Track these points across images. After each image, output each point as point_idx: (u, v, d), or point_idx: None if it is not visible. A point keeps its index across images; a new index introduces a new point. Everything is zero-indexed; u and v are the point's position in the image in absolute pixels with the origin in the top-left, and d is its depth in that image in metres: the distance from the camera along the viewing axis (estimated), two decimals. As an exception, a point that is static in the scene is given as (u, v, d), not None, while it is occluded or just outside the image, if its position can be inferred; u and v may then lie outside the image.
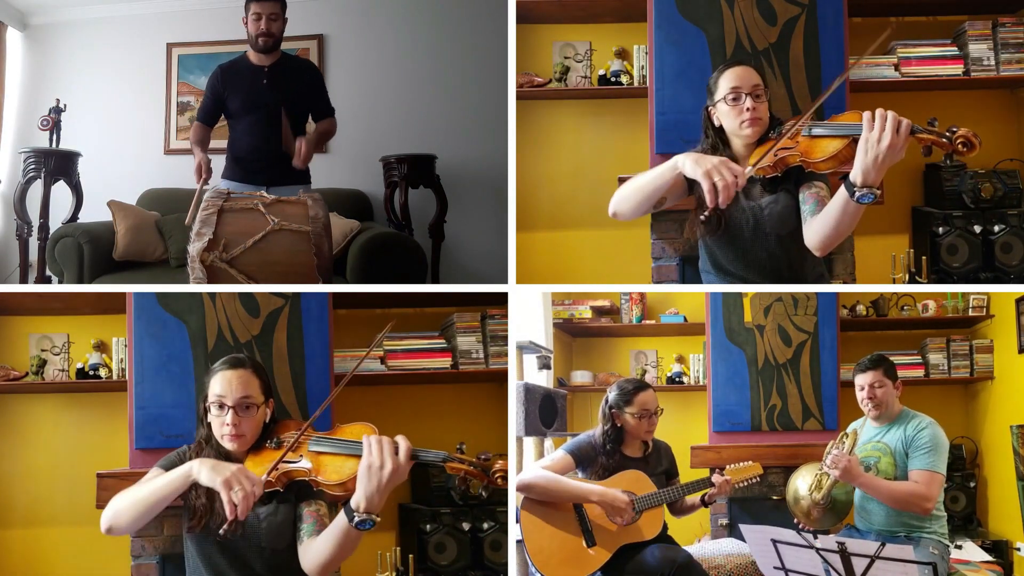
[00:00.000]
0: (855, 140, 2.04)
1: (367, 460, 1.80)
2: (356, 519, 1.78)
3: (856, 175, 1.96)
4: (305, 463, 1.97)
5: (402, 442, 1.83)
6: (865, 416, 2.82)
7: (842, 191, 2.00)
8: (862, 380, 2.72)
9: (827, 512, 2.83)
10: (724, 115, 2.30)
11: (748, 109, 2.25)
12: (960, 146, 1.97)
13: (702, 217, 2.23)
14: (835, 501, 2.82)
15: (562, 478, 2.57)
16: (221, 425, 2.02)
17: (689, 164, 2.18)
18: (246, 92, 3.36)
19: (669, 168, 2.24)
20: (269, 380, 2.13)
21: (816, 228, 2.16)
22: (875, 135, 1.93)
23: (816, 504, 2.75)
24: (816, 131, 2.17)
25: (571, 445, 2.67)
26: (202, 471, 1.89)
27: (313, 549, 1.93)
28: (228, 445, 2.02)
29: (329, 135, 3.53)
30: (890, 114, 1.93)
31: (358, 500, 1.79)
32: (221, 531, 1.87)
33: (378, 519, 1.80)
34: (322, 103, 3.48)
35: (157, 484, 1.93)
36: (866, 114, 1.96)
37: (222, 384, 2.03)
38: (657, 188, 2.27)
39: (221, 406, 2.02)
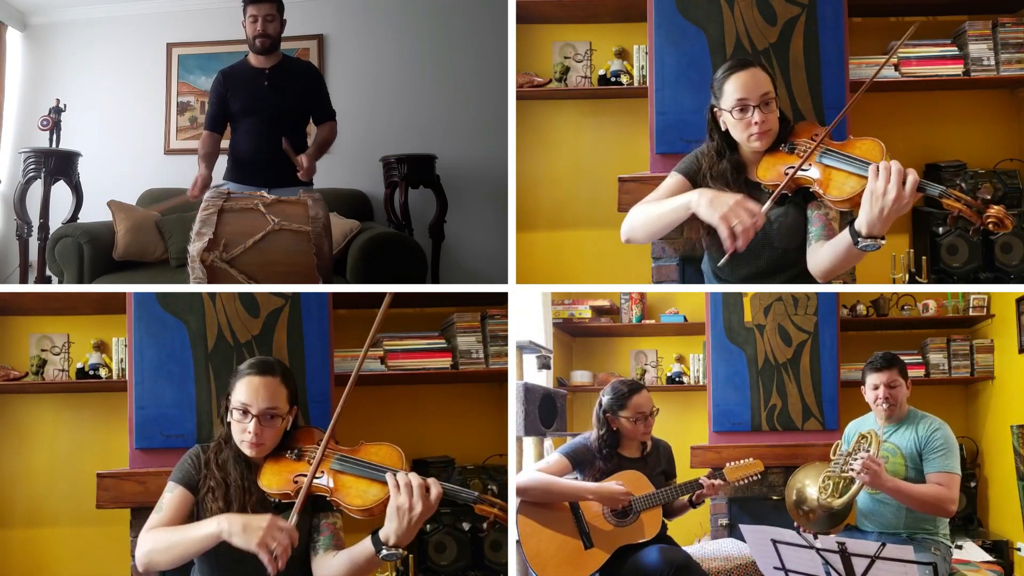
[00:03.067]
0: None
1: (397, 501, 1.81)
2: (384, 553, 1.81)
3: (861, 225, 1.91)
4: (327, 481, 1.95)
5: (434, 486, 1.84)
6: (866, 416, 2.81)
7: (846, 236, 1.96)
8: (877, 379, 2.65)
9: (829, 516, 2.80)
10: (731, 125, 2.24)
11: (757, 123, 2.18)
12: (991, 225, 1.91)
13: (720, 265, 2.12)
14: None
15: (556, 479, 2.56)
16: (242, 432, 2.00)
17: (704, 207, 2.07)
18: (247, 95, 3.36)
19: (682, 206, 2.14)
20: (296, 388, 2.10)
21: (820, 261, 2.13)
22: (880, 187, 1.87)
23: (828, 508, 2.66)
24: (834, 162, 2.10)
25: (567, 448, 2.66)
26: (233, 535, 1.85)
27: (332, 568, 1.93)
28: (246, 452, 2.01)
29: (329, 143, 3.50)
30: (894, 166, 1.87)
31: (387, 535, 1.81)
32: None
33: (404, 552, 1.83)
34: (323, 106, 3.49)
35: (187, 539, 1.90)
36: (872, 166, 1.91)
37: (248, 391, 2.00)
38: (669, 224, 2.20)
39: (245, 413, 1.99)
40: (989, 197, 1.94)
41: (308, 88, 3.43)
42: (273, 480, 1.99)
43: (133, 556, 2.80)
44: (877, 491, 2.59)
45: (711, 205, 2.06)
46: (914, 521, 2.60)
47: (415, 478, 1.83)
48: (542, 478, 2.55)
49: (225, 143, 3.48)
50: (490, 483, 3.29)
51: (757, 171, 2.25)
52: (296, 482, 1.95)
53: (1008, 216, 1.92)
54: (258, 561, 1.95)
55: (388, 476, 1.84)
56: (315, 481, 1.94)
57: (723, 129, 2.27)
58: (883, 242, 1.92)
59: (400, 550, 1.81)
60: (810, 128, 2.25)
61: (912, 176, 1.88)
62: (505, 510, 1.90)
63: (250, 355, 2.85)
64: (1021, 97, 3.67)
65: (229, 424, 2.05)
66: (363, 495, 1.91)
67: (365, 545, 1.85)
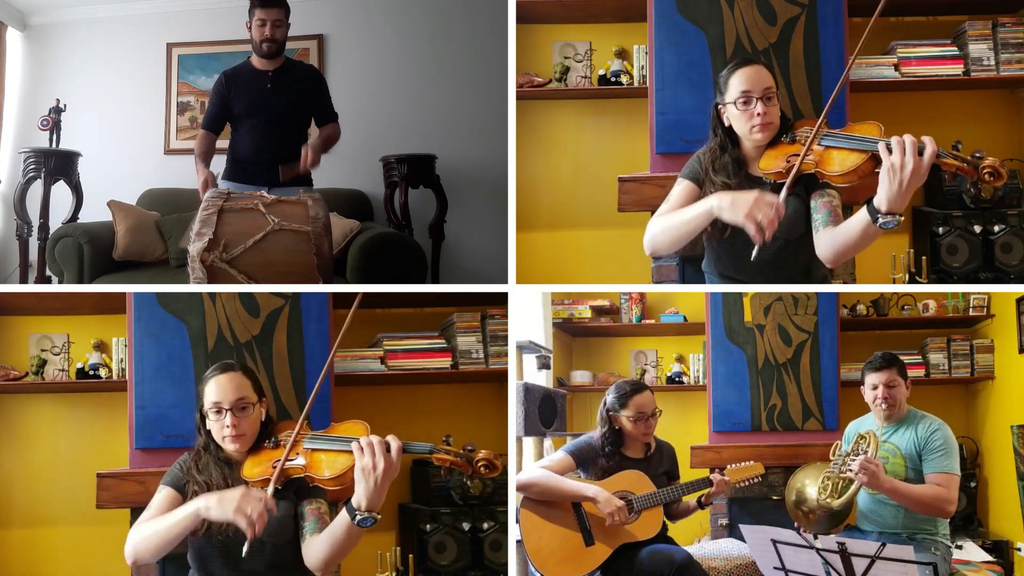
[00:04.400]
0: (874, 156, 2.02)
1: (360, 463, 1.87)
2: (358, 517, 1.86)
3: (880, 202, 1.93)
4: (300, 460, 2.03)
5: (393, 441, 1.90)
6: (866, 416, 2.80)
7: (864, 214, 1.98)
8: (875, 379, 2.65)
9: (829, 517, 2.80)
10: (734, 118, 2.29)
11: (759, 114, 2.24)
12: (987, 176, 1.93)
13: (753, 259, 2.16)
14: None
15: (560, 477, 2.57)
16: (221, 428, 2.07)
17: (727, 210, 2.12)
18: (250, 97, 3.37)
19: (704, 213, 2.19)
20: (259, 380, 2.18)
21: (832, 244, 2.14)
22: (898, 161, 1.89)
23: (828, 508, 2.66)
24: (834, 142, 2.14)
25: (571, 446, 2.67)
26: (211, 509, 1.93)
27: (316, 546, 1.99)
28: (230, 446, 2.08)
29: (333, 140, 3.52)
30: (908, 138, 1.90)
31: (359, 500, 1.86)
32: (244, 553, 1.92)
33: (379, 516, 1.88)
34: (325, 108, 3.49)
35: (169, 522, 1.98)
36: (882, 141, 1.93)
37: (216, 389, 2.08)
38: (692, 231, 2.24)
39: (219, 411, 2.07)
40: (981, 154, 1.95)
41: (311, 91, 3.44)
42: (254, 470, 2.07)
43: (133, 556, 2.81)
44: (876, 492, 2.59)
45: (733, 207, 2.11)
46: (914, 521, 2.60)
47: (374, 438, 1.89)
48: (545, 475, 2.56)
49: (223, 143, 3.48)
50: (489, 483, 3.28)
51: (759, 163, 2.29)
52: (274, 467, 2.03)
53: (1002, 165, 1.95)
54: (251, 559, 2.01)
55: (354, 443, 1.90)
56: (291, 463, 2.02)
57: (727, 125, 2.32)
58: (901, 218, 1.94)
59: (374, 514, 1.86)
60: (810, 123, 2.28)
61: (930, 147, 1.89)
62: (462, 456, 1.97)
63: (250, 355, 2.86)
64: (1021, 97, 3.67)
65: (208, 432, 2.12)
66: (332, 465, 1.99)
67: (341, 516, 1.90)
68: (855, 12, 3.23)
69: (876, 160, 2.01)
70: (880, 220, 1.95)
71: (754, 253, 2.14)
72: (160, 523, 1.99)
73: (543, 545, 2.54)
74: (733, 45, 3.04)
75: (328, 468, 1.99)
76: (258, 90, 3.36)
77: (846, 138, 2.13)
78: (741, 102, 2.25)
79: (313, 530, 2.04)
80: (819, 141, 2.18)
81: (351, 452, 1.93)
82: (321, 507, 2.08)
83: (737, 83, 2.26)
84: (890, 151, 1.90)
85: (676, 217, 2.28)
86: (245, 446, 2.09)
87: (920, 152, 1.89)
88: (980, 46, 3.41)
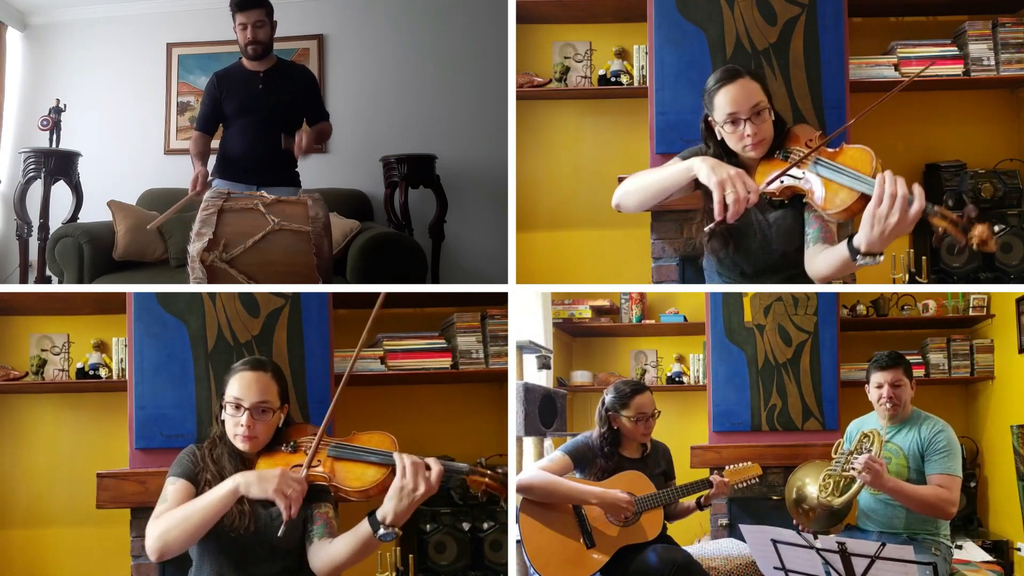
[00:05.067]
0: (864, 196, 1.98)
1: (400, 482, 1.87)
2: (381, 531, 1.87)
3: (860, 243, 1.90)
4: (324, 468, 2.01)
5: (434, 464, 1.91)
6: (868, 415, 2.80)
7: (843, 249, 1.97)
8: (881, 378, 2.63)
9: (829, 515, 2.80)
10: (725, 135, 2.24)
11: (749, 135, 2.18)
12: (977, 245, 1.90)
13: (706, 230, 2.13)
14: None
15: (561, 479, 2.56)
16: (235, 425, 2.05)
17: (705, 170, 2.10)
18: (242, 97, 3.37)
19: (683, 170, 2.16)
20: (287, 386, 2.15)
21: (816, 268, 2.14)
22: (884, 212, 1.86)
23: (828, 507, 2.65)
24: (825, 172, 2.09)
25: (569, 446, 2.67)
26: (251, 487, 1.93)
27: (329, 552, 1.97)
28: (240, 445, 2.06)
29: (327, 134, 3.54)
30: (900, 190, 1.86)
31: (385, 514, 1.87)
32: (280, 533, 1.93)
33: (400, 532, 1.89)
34: (317, 108, 3.49)
35: (204, 503, 1.93)
36: (876, 183, 1.88)
37: (240, 386, 2.06)
38: (667, 189, 2.21)
39: (237, 407, 2.05)
40: (974, 216, 1.92)
41: (303, 91, 3.44)
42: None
43: (133, 556, 2.81)
44: (878, 491, 2.59)
45: (712, 171, 2.10)
46: (916, 522, 2.60)
47: (415, 458, 1.90)
48: (547, 478, 2.55)
49: (216, 142, 3.48)
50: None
51: (755, 178, 2.26)
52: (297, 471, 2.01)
53: (992, 237, 1.92)
54: (256, 560, 2.00)
55: (396, 457, 1.90)
56: (313, 469, 2.00)
57: (719, 138, 2.28)
58: (881, 258, 1.92)
59: (396, 529, 1.87)
60: (806, 132, 2.25)
61: (917, 204, 1.86)
62: (496, 479, 1.98)
63: (250, 355, 2.85)
64: (1021, 97, 3.67)
65: (223, 423, 2.09)
66: (361, 477, 1.97)
67: (362, 526, 1.90)
68: (855, 12, 3.24)
69: (866, 199, 1.97)
70: (859, 260, 1.93)
71: (709, 228, 2.11)
72: (191, 508, 1.94)
73: (544, 547, 2.54)
74: (733, 45, 3.04)
75: (357, 480, 1.97)
76: (249, 91, 3.37)
77: (837, 170, 2.08)
78: (729, 123, 2.19)
79: (322, 534, 2.02)
80: (812, 166, 2.13)
81: (380, 466, 1.94)
82: (329, 511, 2.07)
83: (723, 103, 2.19)
84: (880, 198, 1.86)
85: (654, 174, 2.25)
86: (256, 448, 2.07)
87: (906, 206, 1.85)
88: (980, 46, 3.41)
